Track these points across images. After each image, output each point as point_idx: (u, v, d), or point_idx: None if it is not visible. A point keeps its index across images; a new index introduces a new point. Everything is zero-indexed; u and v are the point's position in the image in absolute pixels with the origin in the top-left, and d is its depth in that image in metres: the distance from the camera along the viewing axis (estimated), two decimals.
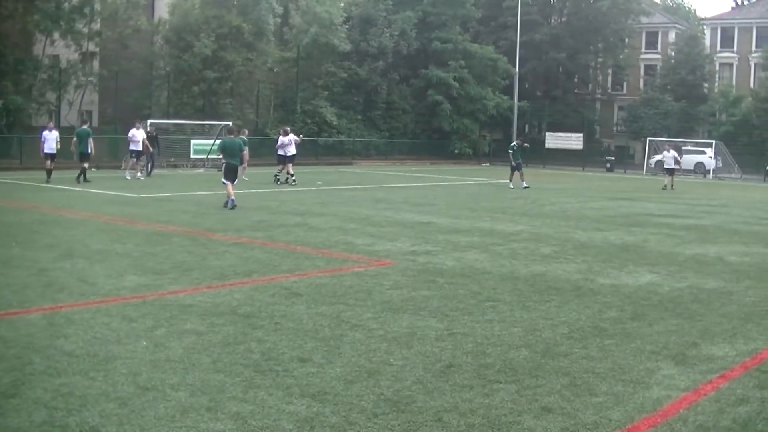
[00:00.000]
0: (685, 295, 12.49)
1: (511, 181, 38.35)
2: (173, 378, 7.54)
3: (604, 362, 8.51)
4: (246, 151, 28.74)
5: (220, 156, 25.65)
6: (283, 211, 23.06)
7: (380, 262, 14.69)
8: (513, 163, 38.43)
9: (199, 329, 9.33)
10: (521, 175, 37.78)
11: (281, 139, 35.55)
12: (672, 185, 41.05)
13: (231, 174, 24.13)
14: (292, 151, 35.17)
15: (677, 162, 43.08)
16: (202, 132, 48.47)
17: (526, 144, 40.87)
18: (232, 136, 25.47)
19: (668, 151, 43.07)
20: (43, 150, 32.83)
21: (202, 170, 43.57)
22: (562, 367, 8.27)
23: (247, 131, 37.81)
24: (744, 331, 10.22)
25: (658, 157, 62.03)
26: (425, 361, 8.31)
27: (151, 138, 37.70)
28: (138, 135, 35.35)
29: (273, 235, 17.74)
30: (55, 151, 32.81)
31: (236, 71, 54.18)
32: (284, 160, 35.19)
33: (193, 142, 46.51)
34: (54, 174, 32.36)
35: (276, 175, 35.27)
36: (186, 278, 12.56)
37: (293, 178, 34.65)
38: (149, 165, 37.53)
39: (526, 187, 36.38)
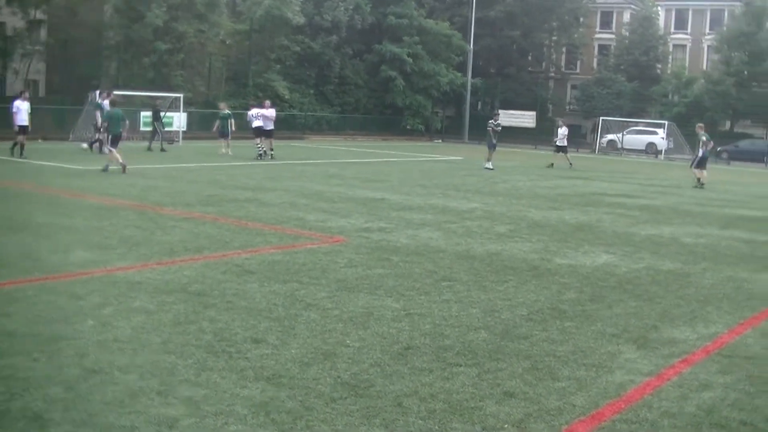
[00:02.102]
0: (642, 276, 12.42)
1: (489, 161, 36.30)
2: (122, 360, 7.26)
3: (565, 345, 8.36)
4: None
5: (106, 125, 27.78)
6: (234, 185, 22.70)
7: (333, 238, 14.46)
8: (494, 142, 36.77)
9: (148, 308, 9.03)
10: (490, 155, 36.30)
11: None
12: (570, 162, 39.45)
13: (115, 142, 25.90)
14: (257, 124, 34.80)
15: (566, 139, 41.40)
16: (152, 105, 47.71)
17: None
18: (116, 108, 27.16)
19: (560, 127, 41.83)
20: (16, 122, 30.29)
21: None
22: (523, 350, 8.10)
23: (224, 104, 37.85)
24: (703, 314, 10.16)
25: (610, 136, 62.48)
26: (383, 343, 8.10)
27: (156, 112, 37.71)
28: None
29: (224, 210, 17.42)
30: (27, 123, 30.42)
31: (188, 43, 53.39)
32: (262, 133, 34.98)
33: (142, 114, 45.75)
34: None
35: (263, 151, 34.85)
36: (134, 254, 12.22)
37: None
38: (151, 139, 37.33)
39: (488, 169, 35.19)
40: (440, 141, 66.25)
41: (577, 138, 67.17)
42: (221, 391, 6.58)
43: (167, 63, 52.38)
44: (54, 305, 9.03)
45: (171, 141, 42.18)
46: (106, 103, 33.05)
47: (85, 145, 34.71)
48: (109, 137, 26.32)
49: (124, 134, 27.98)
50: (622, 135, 62.45)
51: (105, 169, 24.88)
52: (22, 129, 30.10)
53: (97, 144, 33.33)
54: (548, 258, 13.52)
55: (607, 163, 44.74)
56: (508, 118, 67.22)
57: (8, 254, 11.85)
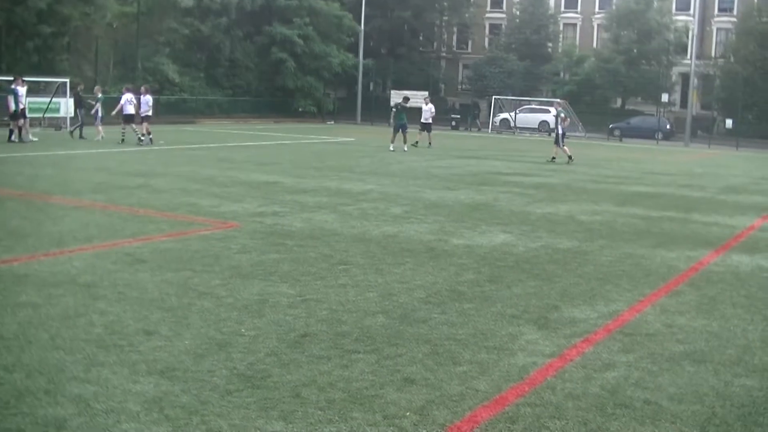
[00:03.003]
0: (540, 255, 12.45)
1: (392, 143, 36.29)
2: (7, 358, 6.93)
3: (465, 328, 8.28)
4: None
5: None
6: (124, 171, 22.19)
7: (226, 224, 14.20)
8: (395, 124, 36.83)
9: (35, 302, 8.68)
10: (405, 137, 36.29)
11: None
12: (430, 142, 39.12)
13: None
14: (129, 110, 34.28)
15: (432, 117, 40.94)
16: (37, 90, 46.39)
17: (407, 104, 38.54)
18: None
19: (426, 104, 41.21)
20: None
21: (37, 129, 41.77)
22: (422, 334, 7.99)
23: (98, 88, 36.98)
24: (603, 292, 10.19)
25: (503, 115, 63.01)
26: (278, 331, 7.92)
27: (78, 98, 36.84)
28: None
29: (114, 198, 16.99)
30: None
31: (73, 26, 52.05)
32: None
33: (27, 100, 44.52)
34: None
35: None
36: (21, 246, 11.78)
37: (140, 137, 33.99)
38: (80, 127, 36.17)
39: (406, 151, 35.00)
40: (333, 122, 66.03)
41: (470, 117, 67.57)
42: (112, 387, 6.32)
43: (52, 47, 50.98)
44: None
45: (58, 127, 41.13)
46: (19, 88, 32.30)
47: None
48: None
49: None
50: (515, 113, 63.05)
51: None
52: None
53: (17, 131, 32.34)
54: (445, 239, 13.48)
55: (501, 142, 45.09)
56: (401, 98, 67.33)
57: None
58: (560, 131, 32.83)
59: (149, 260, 10.96)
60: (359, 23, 68.82)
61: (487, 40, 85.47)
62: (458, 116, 65.19)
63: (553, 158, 32.27)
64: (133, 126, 34.45)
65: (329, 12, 67.49)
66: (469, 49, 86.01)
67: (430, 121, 40.47)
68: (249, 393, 6.27)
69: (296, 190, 19.36)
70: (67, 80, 42.96)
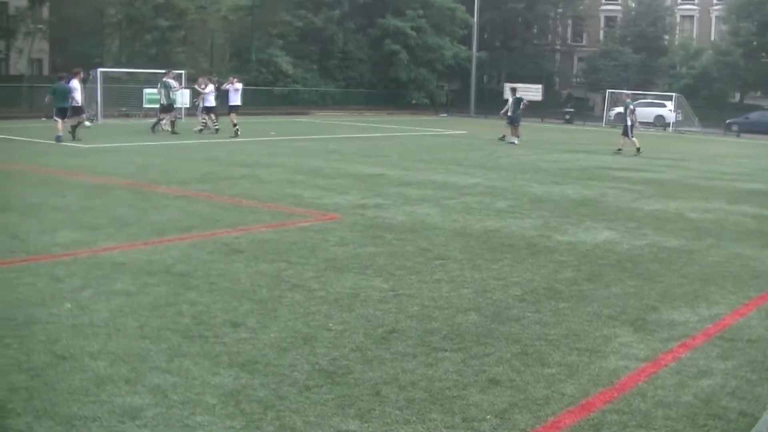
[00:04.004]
0: (644, 253, 12.04)
1: (516, 136, 35.48)
2: (94, 345, 6.98)
3: (558, 328, 8.01)
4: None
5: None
6: (232, 162, 22.40)
7: (327, 216, 14.16)
8: (513, 117, 35.99)
9: (129, 290, 8.75)
10: (514, 130, 35.68)
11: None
12: (518, 135, 36.59)
13: (61, 113, 28.16)
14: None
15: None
16: (155, 81, 47.34)
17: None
18: (62, 82, 29.02)
19: (513, 95, 37.97)
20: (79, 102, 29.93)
21: (154, 120, 42.61)
22: (513, 334, 7.77)
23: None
24: (706, 294, 9.75)
25: (618, 109, 61.80)
26: (366, 326, 7.79)
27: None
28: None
29: (219, 188, 17.13)
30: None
31: (189, 19, 53.05)
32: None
33: (145, 91, 45.42)
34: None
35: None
36: (122, 234, 11.95)
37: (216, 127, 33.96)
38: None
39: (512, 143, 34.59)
40: (446, 115, 65.81)
41: (584, 111, 66.62)
42: (192, 378, 6.28)
43: (169, 40, 52.05)
44: (33, 288, 8.77)
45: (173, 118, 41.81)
46: (172, 81, 32.98)
47: (88, 123, 34.19)
48: (55, 110, 28.44)
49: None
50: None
51: (57, 140, 27.06)
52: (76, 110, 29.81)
53: (165, 122, 32.99)
54: (547, 235, 13.19)
55: (615, 137, 44.17)
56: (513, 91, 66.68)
57: None
58: (629, 123, 32.78)
59: (245, 251, 10.96)
60: (472, 15, 68.40)
61: (602, 32, 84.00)
62: (572, 110, 64.29)
63: (620, 150, 32.25)
64: (212, 116, 34.26)
65: (442, 4, 67.28)
66: (584, 42, 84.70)
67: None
68: (328, 389, 6.15)
69: (401, 182, 19.25)
70: (183, 72, 43.68)
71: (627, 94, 35.28)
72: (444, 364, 6.85)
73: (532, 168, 24.38)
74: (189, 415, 5.62)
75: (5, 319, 7.61)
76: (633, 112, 33.78)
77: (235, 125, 32.29)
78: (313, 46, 63.08)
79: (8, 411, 5.62)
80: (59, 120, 27.76)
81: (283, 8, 59.70)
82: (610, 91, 62.85)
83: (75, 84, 29.36)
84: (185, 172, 19.61)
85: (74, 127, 28.64)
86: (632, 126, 32.89)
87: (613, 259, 11.50)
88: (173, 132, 32.07)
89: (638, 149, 31.85)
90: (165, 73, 34.39)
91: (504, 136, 31.83)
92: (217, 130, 33.49)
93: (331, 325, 7.79)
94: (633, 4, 79.21)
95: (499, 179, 20.90)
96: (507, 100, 38.50)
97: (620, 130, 34.25)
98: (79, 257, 10.35)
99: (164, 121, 32.95)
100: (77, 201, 14.89)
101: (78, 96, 29.35)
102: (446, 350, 7.20)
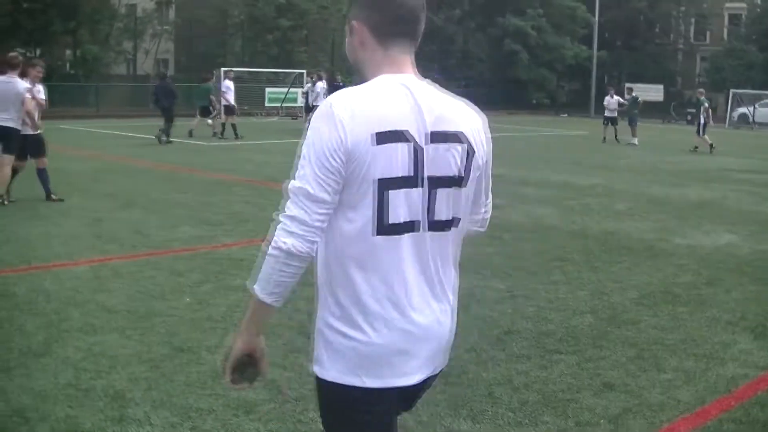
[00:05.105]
0: (766, 258, 11.68)
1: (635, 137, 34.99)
2: (212, 339, 7.12)
3: (675, 333, 7.82)
4: None
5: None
6: None
7: None
8: (630, 117, 35.79)
9: (246, 285, 8.86)
10: (633, 130, 35.25)
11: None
12: (616, 136, 35.99)
13: (203, 111, 30.38)
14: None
15: (621, 106, 37.85)
16: (276, 80, 48.13)
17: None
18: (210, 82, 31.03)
19: (611, 96, 38.17)
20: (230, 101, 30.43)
21: (276, 119, 43.31)
22: (629, 337, 7.62)
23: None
24: None
25: (741, 110, 60.31)
26: (482, 327, 7.73)
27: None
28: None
29: None
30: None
31: (310, 19, 53.67)
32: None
33: (267, 90, 46.23)
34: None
35: None
36: (240, 230, 12.18)
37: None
38: None
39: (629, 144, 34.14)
40: (566, 115, 65.05)
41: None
42: (306, 374, 6.30)
43: (290, 39, 52.77)
44: (154, 281, 9.00)
45: (295, 116, 42.36)
46: (319, 84, 33.22)
47: (210, 121, 34.52)
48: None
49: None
50: (754, 108, 60.26)
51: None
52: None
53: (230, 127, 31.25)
54: (666, 237, 12.92)
55: (738, 137, 43.20)
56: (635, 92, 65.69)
57: (120, 230, 11.97)
58: (702, 121, 32.30)
59: None
60: (593, 15, 67.57)
61: (725, 31, 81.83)
62: (693, 110, 62.88)
63: (696, 147, 31.68)
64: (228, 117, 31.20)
65: (562, 3, 66.66)
66: (707, 41, 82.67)
67: (615, 114, 37.56)
68: (441, 389, 6.11)
69: (520, 182, 19.09)
70: (304, 71, 44.26)
71: (701, 92, 34.62)
72: (558, 366, 6.78)
73: (652, 169, 23.96)
74: (302, 411, 5.68)
75: (128, 312, 7.84)
76: (707, 110, 33.27)
77: (233, 126, 30.49)
78: (432, 45, 63.13)
79: (128, 401, 5.78)
80: (198, 118, 29.96)
81: None
82: (733, 91, 61.33)
83: (228, 84, 30.17)
84: None
85: (233, 126, 29.36)
86: (705, 124, 32.38)
87: (733, 264, 11.18)
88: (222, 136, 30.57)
89: (711, 146, 31.29)
90: (224, 75, 33.06)
91: (696, 147, 31.14)
92: (215, 134, 30.69)
93: None
94: (758, 1, 77.04)
95: (619, 180, 20.59)
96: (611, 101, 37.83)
97: (747, 131, 33.62)
98: (199, 252, 10.59)
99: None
100: (196, 197, 15.24)
101: (230, 96, 30.01)
102: (561, 353, 7.13)
